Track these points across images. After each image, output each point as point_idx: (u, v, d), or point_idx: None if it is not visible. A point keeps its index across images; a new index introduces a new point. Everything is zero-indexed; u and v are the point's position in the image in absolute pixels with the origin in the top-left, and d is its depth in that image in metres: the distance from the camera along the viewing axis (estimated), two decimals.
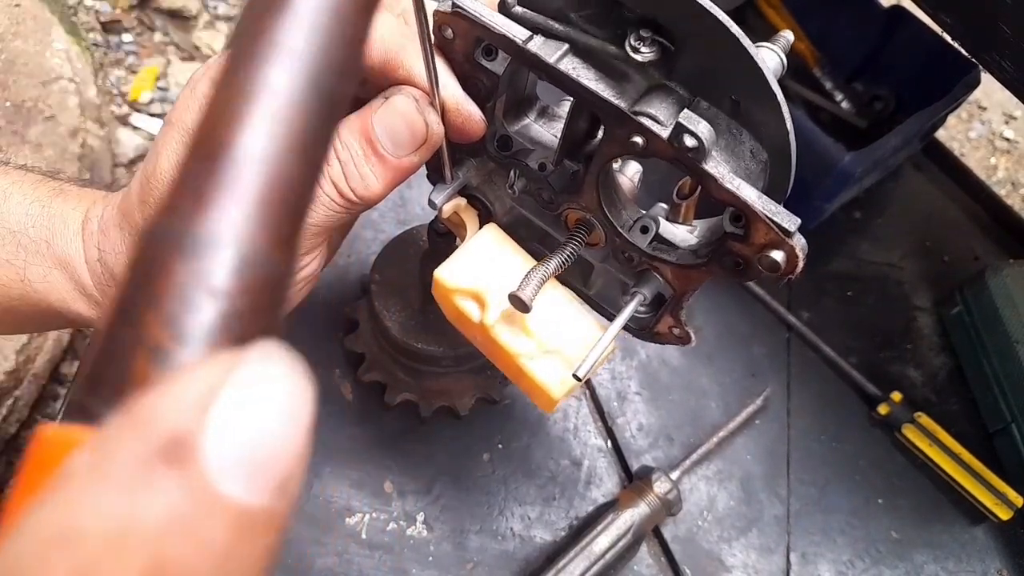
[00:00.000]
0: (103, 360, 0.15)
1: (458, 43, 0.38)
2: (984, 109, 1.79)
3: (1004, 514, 0.67)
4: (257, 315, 0.16)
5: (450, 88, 0.39)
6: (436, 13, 0.37)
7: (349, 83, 0.18)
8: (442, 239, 0.52)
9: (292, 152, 0.17)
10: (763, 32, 0.87)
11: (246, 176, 0.16)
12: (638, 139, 0.35)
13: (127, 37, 1.51)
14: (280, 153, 0.16)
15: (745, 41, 0.31)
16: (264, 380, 0.15)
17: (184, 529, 0.13)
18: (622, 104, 0.35)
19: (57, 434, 0.15)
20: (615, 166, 0.44)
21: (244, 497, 0.14)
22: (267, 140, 0.16)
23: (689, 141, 0.33)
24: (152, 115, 1.45)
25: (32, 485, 0.15)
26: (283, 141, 0.16)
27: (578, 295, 0.47)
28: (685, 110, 0.33)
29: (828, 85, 0.88)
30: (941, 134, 0.93)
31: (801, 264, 0.34)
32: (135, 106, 1.45)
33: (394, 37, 0.38)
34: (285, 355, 0.15)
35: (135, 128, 1.43)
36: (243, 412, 0.14)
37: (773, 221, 0.33)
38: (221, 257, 0.15)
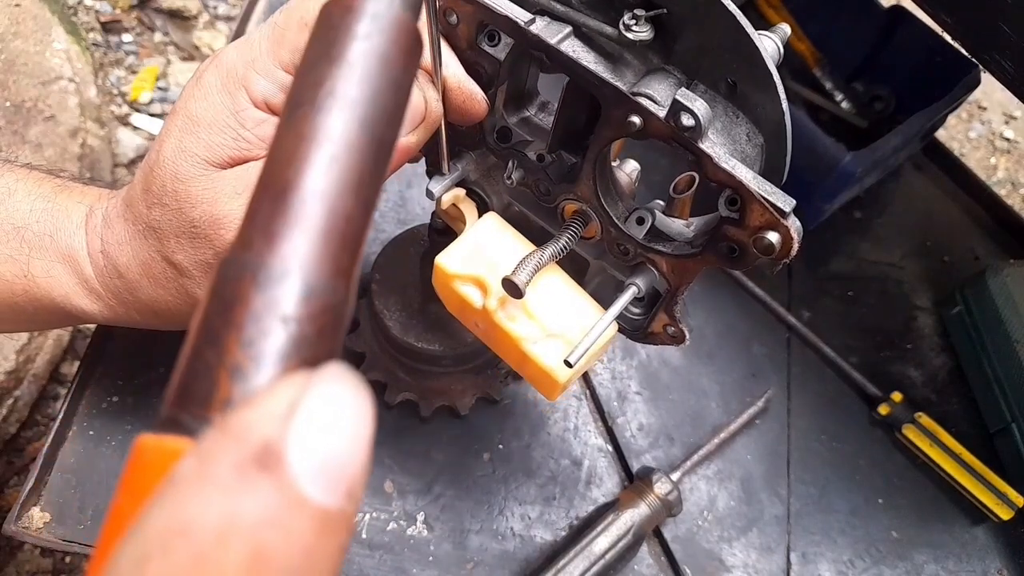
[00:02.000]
0: (190, 378, 0.18)
1: (462, 28, 0.38)
2: (984, 109, 1.79)
3: (1005, 514, 0.67)
4: (323, 338, 0.18)
5: (451, 67, 0.40)
6: None
7: (396, 128, 0.20)
8: (442, 237, 0.52)
9: (349, 191, 0.18)
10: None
11: (310, 213, 0.18)
12: (636, 119, 0.35)
13: (127, 37, 1.51)
14: (339, 192, 0.18)
15: (743, 21, 0.32)
16: (335, 397, 0.17)
17: (278, 524, 0.15)
18: (620, 85, 0.35)
19: (156, 444, 0.17)
20: (613, 164, 0.44)
21: (323, 499, 0.16)
22: (327, 181, 0.18)
23: (686, 120, 0.33)
24: (152, 115, 1.45)
25: (137, 487, 0.17)
26: (341, 181, 0.18)
27: None
28: (682, 89, 0.33)
29: (828, 85, 0.88)
30: (941, 134, 0.93)
31: (796, 246, 0.34)
32: (135, 106, 1.45)
33: None
34: (351, 376, 0.17)
35: (135, 128, 1.43)
36: (319, 425, 0.16)
37: (768, 201, 0.33)
38: (290, 287, 0.18)
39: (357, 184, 0.19)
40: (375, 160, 0.19)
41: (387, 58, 0.19)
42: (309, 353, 0.18)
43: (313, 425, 0.16)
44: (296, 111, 0.19)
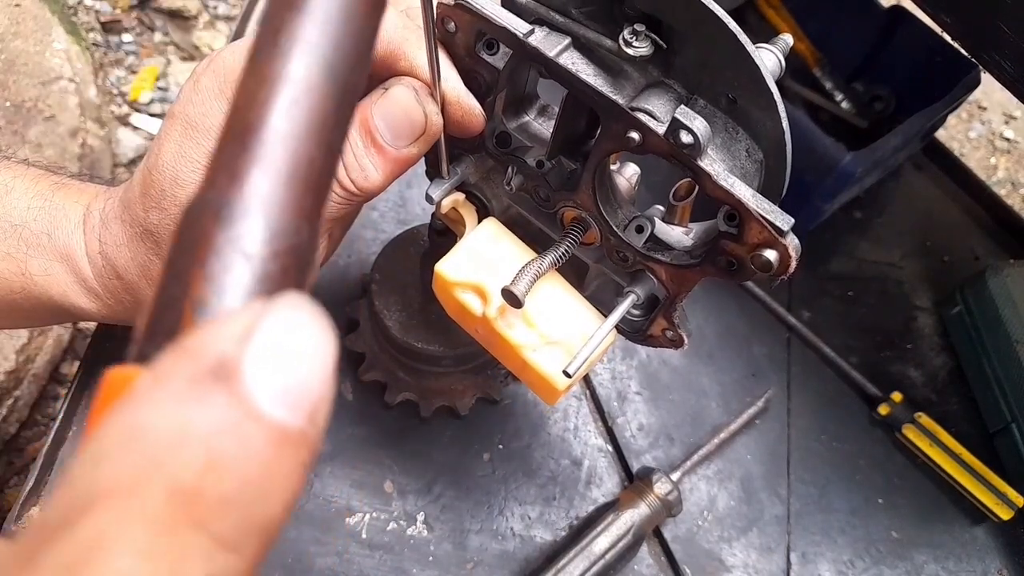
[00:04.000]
0: (157, 313, 0.18)
1: (460, 36, 0.38)
2: (984, 109, 1.79)
3: (1005, 514, 0.67)
4: (287, 278, 0.18)
5: (451, 81, 0.39)
6: (439, 5, 0.37)
7: (361, 73, 0.20)
8: (442, 238, 0.52)
9: (311, 133, 0.19)
10: (763, 32, 0.88)
11: (272, 153, 0.18)
12: (634, 135, 0.35)
13: (127, 37, 1.51)
14: (300, 134, 0.19)
15: (743, 38, 0.32)
16: (293, 322, 0.17)
17: (232, 434, 0.16)
18: (619, 99, 0.35)
19: (120, 373, 0.18)
20: (613, 168, 0.44)
21: (280, 415, 0.16)
22: (288, 122, 0.19)
23: (685, 137, 0.33)
24: (152, 115, 1.45)
25: (103, 411, 0.17)
26: (302, 123, 0.19)
27: None
28: (682, 106, 0.33)
29: (828, 85, 0.88)
30: (941, 134, 0.93)
31: (794, 264, 0.34)
32: (135, 106, 1.45)
33: (396, 29, 0.38)
34: (310, 304, 0.18)
35: (135, 128, 1.43)
36: (276, 346, 0.17)
37: (767, 220, 0.33)
38: (252, 225, 0.18)
39: (320, 127, 0.19)
40: (337, 104, 0.19)
41: (350, 7, 0.20)
42: (272, 291, 0.18)
43: (270, 346, 0.17)
44: (258, 56, 0.19)
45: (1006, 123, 1.78)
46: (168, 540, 0.15)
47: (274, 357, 0.17)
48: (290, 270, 0.18)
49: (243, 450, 0.16)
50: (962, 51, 0.65)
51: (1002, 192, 1.60)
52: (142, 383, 0.17)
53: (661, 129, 0.34)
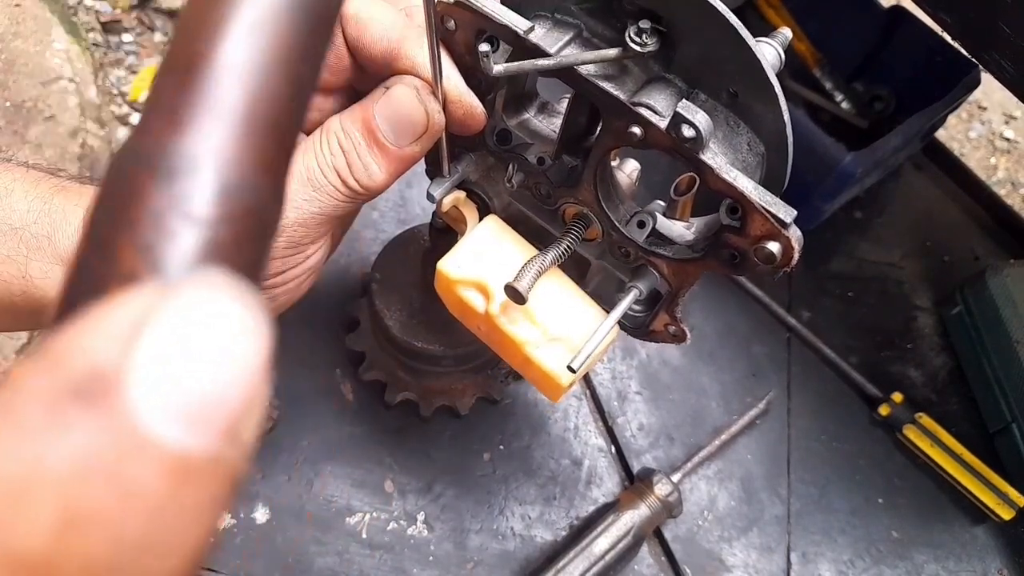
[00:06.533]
0: (74, 293, 0.14)
1: (460, 34, 0.38)
2: (984, 109, 1.79)
3: (1006, 514, 0.67)
4: (242, 247, 0.14)
5: (452, 79, 0.40)
6: (440, 3, 0.37)
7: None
8: (442, 237, 0.52)
9: (275, 66, 0.15)
10: (763, 32, 0.87)
11: (226, 91, 0.15)
12: (636, 130, 0.35)
13: (127, 37, 1.51)
14: (262, 67, 0.15)
15: (744, 32, 0.32)
16: (204, 307, 0.13)
17: (101, 474, 0.12)
18: (621, 95, 0.35)
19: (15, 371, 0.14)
20: (614, 164, 0.44)
21: (182, 440, 0.12)
22: (247, 52, 0.15)
23: (687, 131, 0.33)
24: None
25: None
26: (265, 53, 0.15)
27: None
28: (683, 100, 0.33)
29: (828, 85, 0.88)
30: (941, 134, 0.93)
31: (796, 255, 0.34)
32: (135, 106, 1.45)
33: (397, 28, 0.38)
34: (233, 281, 0.14)
35: None
36: (179, 345, 0.13)
37: (769, 212, 0.33)
38: (200, 181, 0.14)
39: (285, 58, 0.15)
40: (309, 31, 0.16)
41: None
42: (225, 263, 0.14)
43: (169, 344, 0.12)
44: None
45: (1006, 123, 1.78)
46: None
47: (176, 361, 0.12)
48: (247, 237, 0.15)
49: (118, 495, 0.12)
50: (962, 51, 0.65)
51: (1002, 192, 1.60)
52: None
53: (663, 123, 0.34)
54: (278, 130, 0.15)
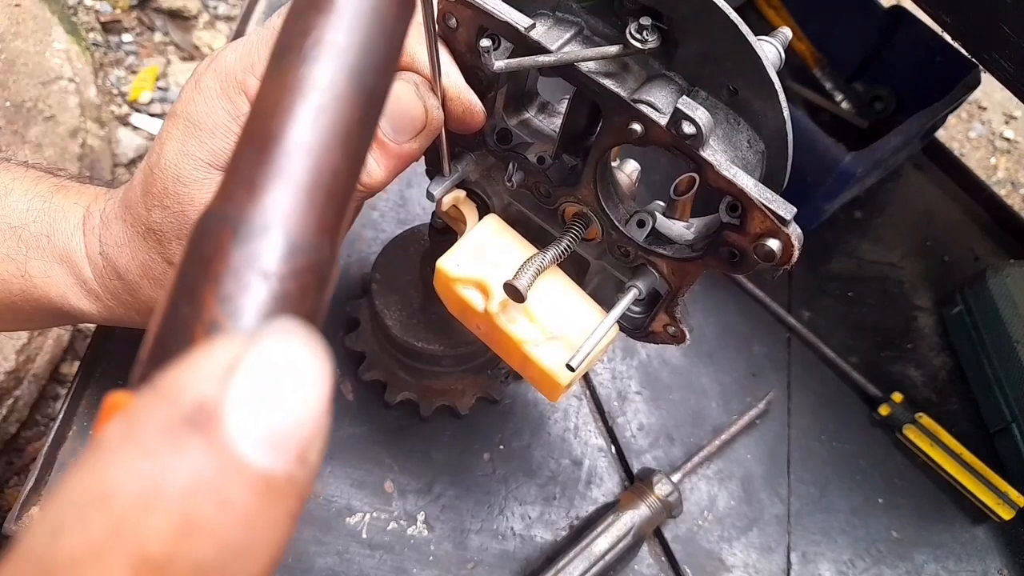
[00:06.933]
0: (166, 333, 0.17)
1: (461, 32, 0.38)
2: (984, 109, 1.79)
3: (1006, 514, 0.67)
4: (306, 297, 0.17)
5: (452, 76, 0.40)
6: (441, 1, 0.37)
7: (388, 79, 0.19)
8: (442, 236, 0.52)
9: (336, 144, 0.18)
10: (763, 32, 0.87)
11: (295, 165, 0.17)
12: (637, 127, 0.35)
13: (127, 37, 1.51)
14: (325, 145, 0.18)
15: (744, 29, 0.32)
16: (283, 353, 0.16)
17: (209, 491, 0.14)
18: (622, 92, 0.35)
19: (119, 398, 0.16)
20: (613, 164, 0.44)
21: (266, 463, 0.15)
22: (313, 133, 0.17)
23: (687, 128, 0.33)
24: (152, 115, 1.45)
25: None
26: (328, 133, 0.18)
27: None
28: (684, 97, 0.33)
29: (828, 85, 0.88)
30: (941, 134, 0.93)
31: (796, 253, 0.34)
32: (135, 106, 1.45)
33: None
34: (303, 330, 0.16)
35: (135, 128, 1.43)
36: (263, 384, 0.15)
37: (769, 209, 0.33)
38: (271, 241, 0.17)
39: (345, 137, 0.18)
40: (364, 112, 0.18)
41: (379, 9, 0.18)
42: (291, 312, 0.17)
43: (256, 383, 0.15)
44: (281, 60, 0.18)
45: (1006, 123, 1.78)
46: None
47: (260, 394, 0.15)
48: (309, 289, 0.17)
49: (222, 508, 0.14)
50: (962, 51, 0.65)
51: (1002, 192, 1.60)
52: (112, 431, 0.15)
53: (663, 120, 0.34)
54: (336, 198, 0.18)
